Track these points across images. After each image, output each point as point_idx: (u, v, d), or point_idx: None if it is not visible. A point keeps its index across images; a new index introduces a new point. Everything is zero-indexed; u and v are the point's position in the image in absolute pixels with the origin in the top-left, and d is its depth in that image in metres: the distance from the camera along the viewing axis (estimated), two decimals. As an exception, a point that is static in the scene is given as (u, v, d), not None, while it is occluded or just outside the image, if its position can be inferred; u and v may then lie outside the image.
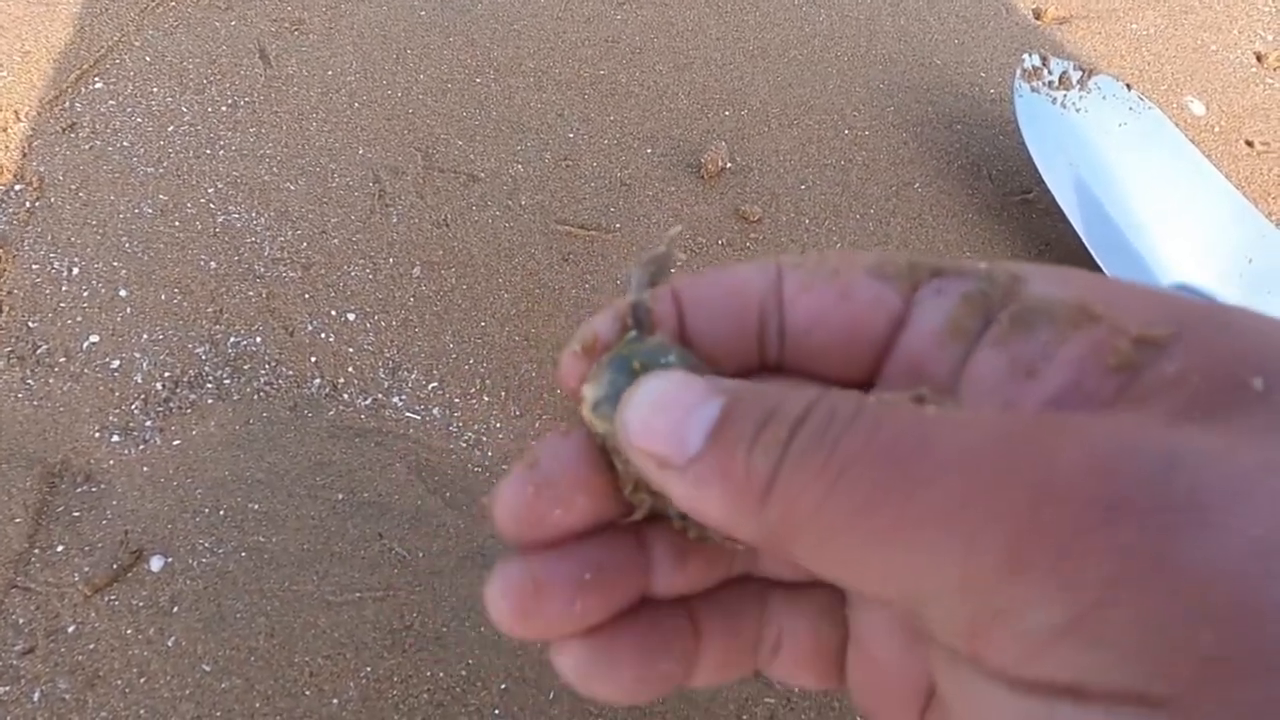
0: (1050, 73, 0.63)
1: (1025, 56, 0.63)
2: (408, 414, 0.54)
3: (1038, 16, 0.78)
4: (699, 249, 0.62)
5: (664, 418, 0.12)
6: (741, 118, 0.70)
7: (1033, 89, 0.62)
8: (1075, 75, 0.63)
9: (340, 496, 0.50)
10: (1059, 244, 0.63)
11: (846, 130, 0.69)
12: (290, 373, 0.56)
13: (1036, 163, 0.59)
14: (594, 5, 0.78)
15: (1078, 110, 0.62)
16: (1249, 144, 0.69)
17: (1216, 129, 0.71)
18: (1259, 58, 0.77)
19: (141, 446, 0.52)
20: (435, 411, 0.55)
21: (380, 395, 0.55)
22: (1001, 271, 0.13)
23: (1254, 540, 0.09)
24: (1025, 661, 0.09)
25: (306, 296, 0.59)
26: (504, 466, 0.53)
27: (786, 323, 0.15)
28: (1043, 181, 0.66)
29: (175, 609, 0.46)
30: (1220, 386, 0.10)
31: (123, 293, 0.59)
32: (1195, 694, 0.09)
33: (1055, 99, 0.63)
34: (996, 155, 0.68)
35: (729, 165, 0.66)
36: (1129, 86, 0.63)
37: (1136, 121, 0.62)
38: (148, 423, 0.53)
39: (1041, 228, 0.64)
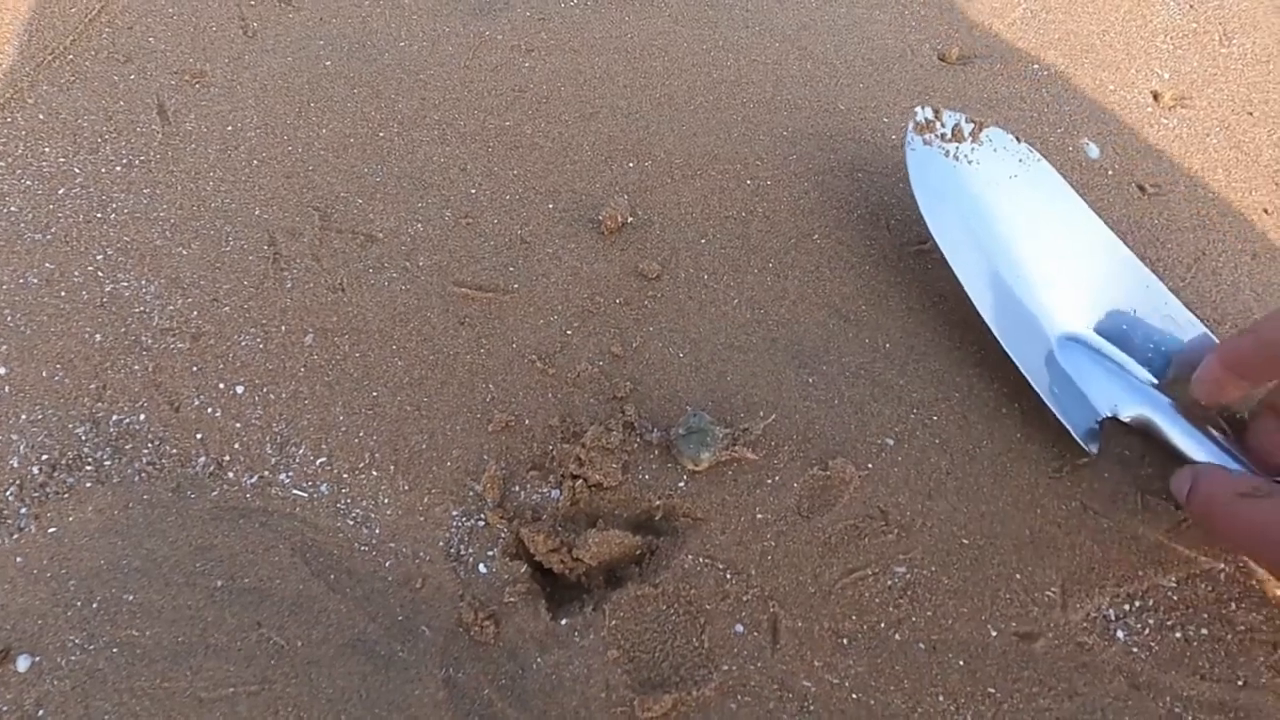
0: (943, 125, 0.63)
1: (918, 110, 0.63)
2: (294, 491, 0.54)
3: (942, 59, 0.79)
4: (595, 309, 0.61)
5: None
6: (645, 169, 0.70)
7: (925, 142, 0.62)
8: (967, 128, 0.63)
9: (219, 583, 0.50)
10: (953, 295, 0.63)
11: (749, 180, 0.70)
12: (174, 451, 0.55)
13: (925, 218, 0.59)
14: (502, 53, 0.77)
15: (970, 163, 0.62)
16: (1140, 188, 0.71)
17: (1110, 172, 0.72)
18: (1155, 96, 0.79)
19: (15, 536, 0.51)
20: (323, 488, 0.54)
21: (266, 473, 0.54)
22: None
23: None
24: None
25: (194, 369, 0.58)
26: (391, 544, 0.52)
27: None
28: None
29: (40, 712, 0.45)
30: None
31: (2, 370, 0.57)
32: None
33: (948, 152, 0.63)
34: (895, 204, 0.69)
35: (630, 220, 0.66)
36: (1018, 138, 0.63)
37: (1026, 174, 0.63)
38: (22, 510, 0.52)
39: (936, 279, 0.64)
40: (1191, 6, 0.86)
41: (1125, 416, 0.55)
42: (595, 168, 0.70)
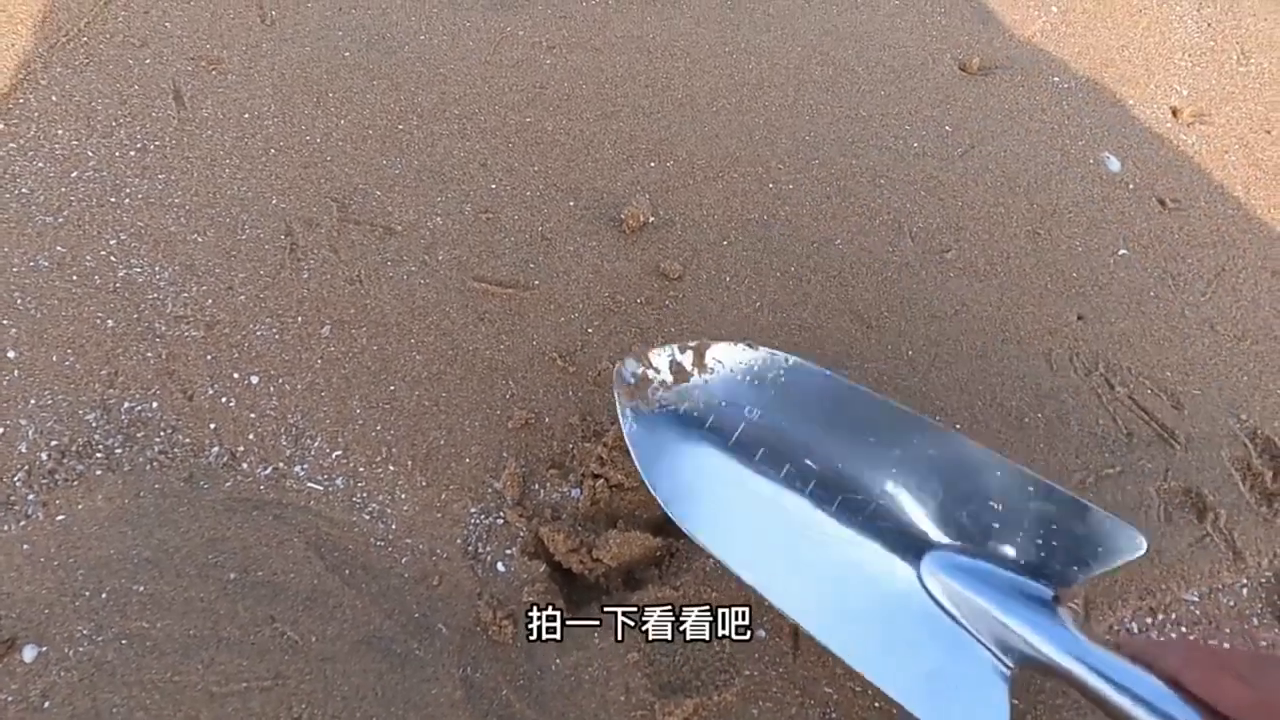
0: (659, 371, 0.49)
1: (621, 368, 0.49)
2: (309, 484, 0.53)
3: (963, 69, 0.79)
4: (617, 307, 0.61)
5: None
6: (666, 169, 0.69)
7: (644, 409, 0.47)
8: (688, 358, 0.48)
9: (232, 576, 0.49)
10: (974, 303, 0.63)
11: (771, 184, 0.69)
12: (187, 441, 0.54)
13: (669, 510, 0.45)
14: (523, 49, 0.77)
15: (707, 403, 0.47)
16: (1161, 202, 0.71)
17: (1131, 186, 0.72)
18: (1174, 112, 0.79)
19: (22, 523, 0.50)
20: (339, 481, 0.53)
21: (281, 464, 0.53)
22: None
23: None
24: None
25: (208, 358, 0.57)
26: (408, 540, 0.51)
27: None
28: (963, 239, 0.67)
29: (47, 704, 0.44)
30: None
31: (11, 354, 0.56)
32: None
33: (676, 406, 0.47)
34: (918, 212, 0.68)
35: (651, 220, 0.65)
36: (751, 345, 0.48)
37: (780, 382, 0.47)
38: (30, 496, 0.51)
39: (958, 287, 0.64)
40: (1210, 25, 0.87)
41: (1033, 665, 0.39)
42: (616, 166, 0.69)
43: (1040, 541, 0.41)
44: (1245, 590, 0.52)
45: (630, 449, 0.46)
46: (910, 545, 0.43)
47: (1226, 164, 0.75)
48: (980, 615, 0.39)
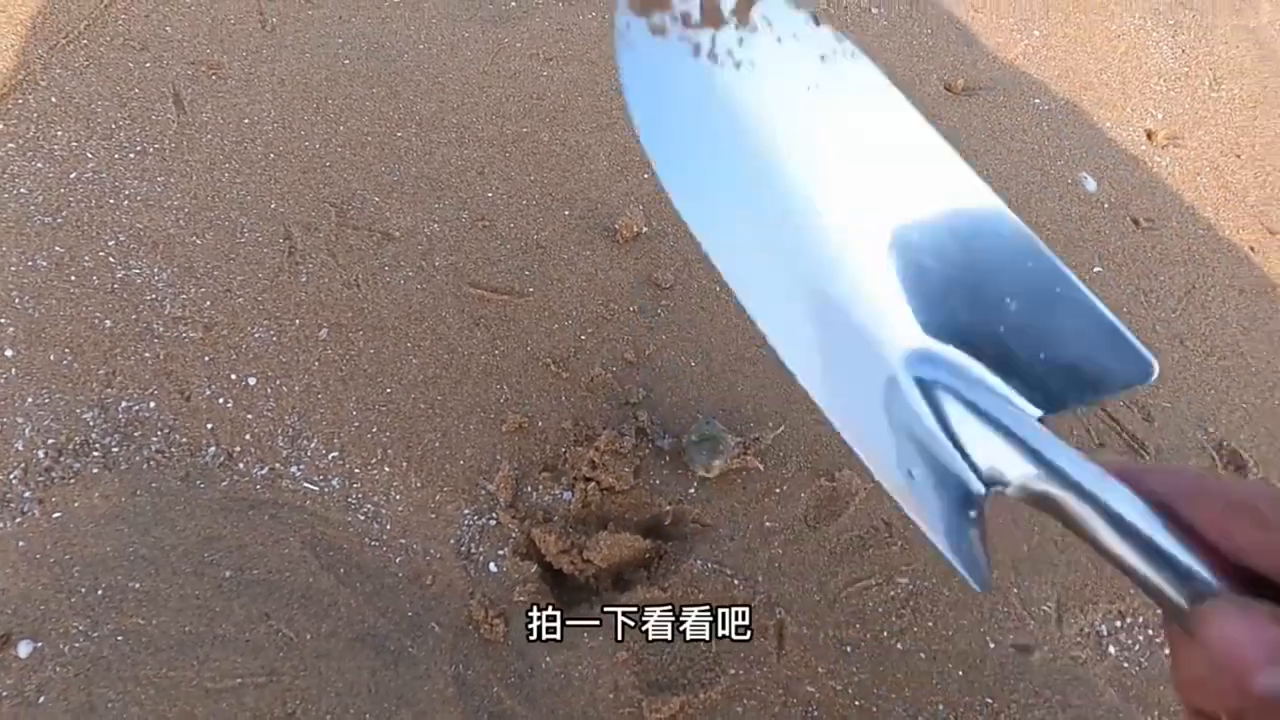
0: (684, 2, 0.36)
1: None
2: (305, 485, 0.54)
3: (949, 88, 0.82)
4: (610, 315, 0.62)
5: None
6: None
7: (654, 27, 0.35)
8: (732, 2, 0.35)
9: (228, 574, 0.49)
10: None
11: (761, 197, 0.71)
12: (184, 440, 0.54)
13: (652, 159, 0.34)
14: (521, 61, 0.78)
15: (737, 66, 0.36)
16: (1135, 222, 0.74)
17: (1106, 205, 0.75)
18: (1149, 135, 0.82)
19: (18, 519, 0.50)
20: (334, 482, 0.54)
21: (278, 465, 0.54)
22: None
23: None
24: None
25: (206, 359, 0.58)
26: (402, 540, 0.52)
27: None
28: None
29: (42, 699, 0.44)
30: None
31: (9, 352, 0.56)
32: None
33: (698, 46, 0.35)
34: (902, 226, 0.71)
35: (644, 230, 0.67)
36: (816, 20, 0.35)
37: (833, 79, 0.36)
38: (26, 493, 0.51)
39: (940, 300, 0.66)
40: (1184, 51, 0.90)
41: (1009, 487, 0.31)
42: (611, 177, 0.71)
43: (1044, 355, 0.34)
44: (1210, 596, 0.54)
45: (622, 76, 0.34)
46: (906, 319, 0.35)
47: (1198, 185, 0.78)
48: (961, 423, 0.33)
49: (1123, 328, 0.32)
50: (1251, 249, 0.74)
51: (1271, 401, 0.64)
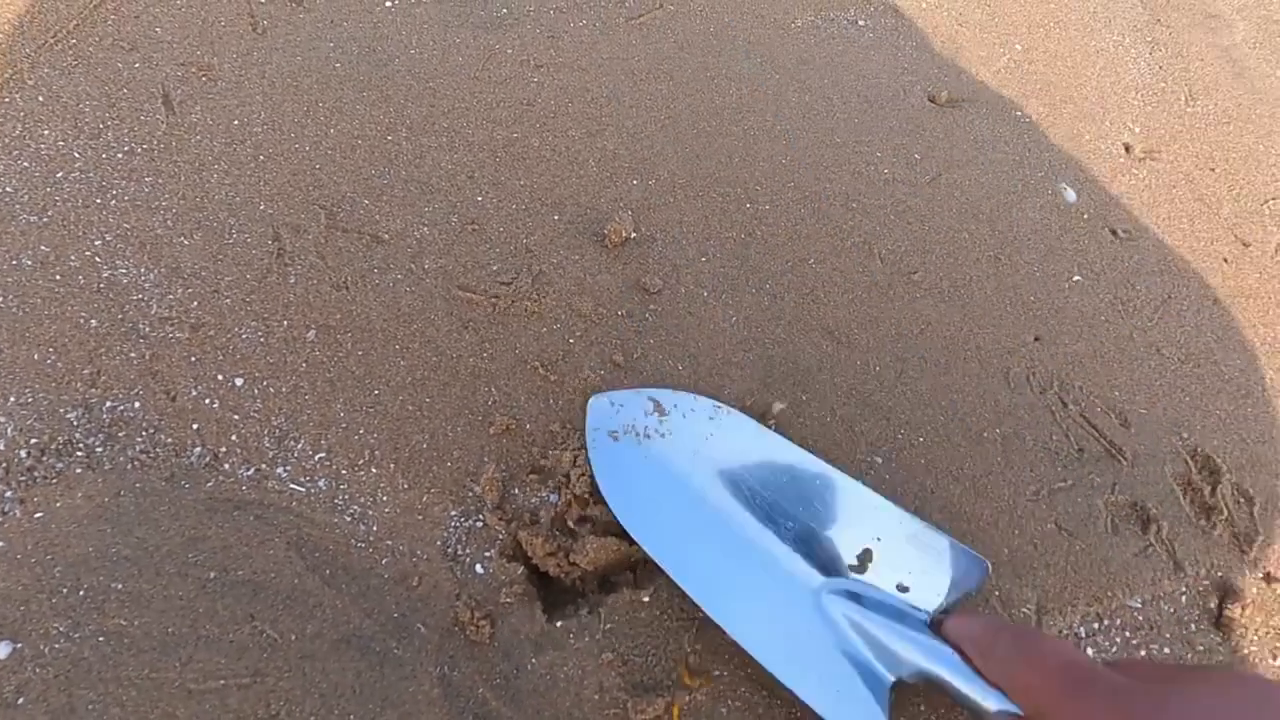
0: (622, 405, 0.57)
1: (596, 401, 0.57)
2: (292, 486, 0.54)
3: (932, 100, 0.83)
4: (598, 319, 0.63)
5: None
6: (649, 187, 0.72)
7: (612, 437, 0.55)
8: (651, 405, 0.56)
9: (212, 575, 0.49)
10: (939, 322, 0.66)
11: (749, 204, 0.72)
12: (169, 440, 0.54)
13: (630, 527, 0.51)
14: (512, 67, 0.79)
15: (662, 436, 0.55)
16: (1113, 232, 0.75)
17: (1085, 216, 0.76)
18: (1127, 148, 0.84)
19: (-1, 520, 0.50)
20: (321, 483, 0.54)
21: (264, 466, 0.54)
22: None
23: None
24: None
25: (192, 359, 0.58)
26: (388, 542, 0.52)
27: None
28: (929, 262, 0.70)
29: (20, 700, 0.44)
30: None
31: (-9, 351, 0.56)
32: None
33: (636, 434, 0.55)
34: (887, 235, 0.72)
35: (633, 235, 0.68)
36: (707, 401, 0.57)
37: (720, 428, 0.56)
38: (8, 493, 0.51)
39: (924, 307, 0.67)
40: (1160, 67, 0.92)
41: (908, 675, 0.46)
42: (600, 183, 0.71)
43: (911, 572, 0.50)
44: (1184, 598, 0.56)
45: (594, 470, 0.54)
46: (821, 566, 0.51)
47: (1174, 198, 0.80)
48: (865, 633, 0.48)
49: (954, 543, 0.51)
50: (1225, 260, 0.75)
51: (1244, 409, 0.65)
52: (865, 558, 0.51)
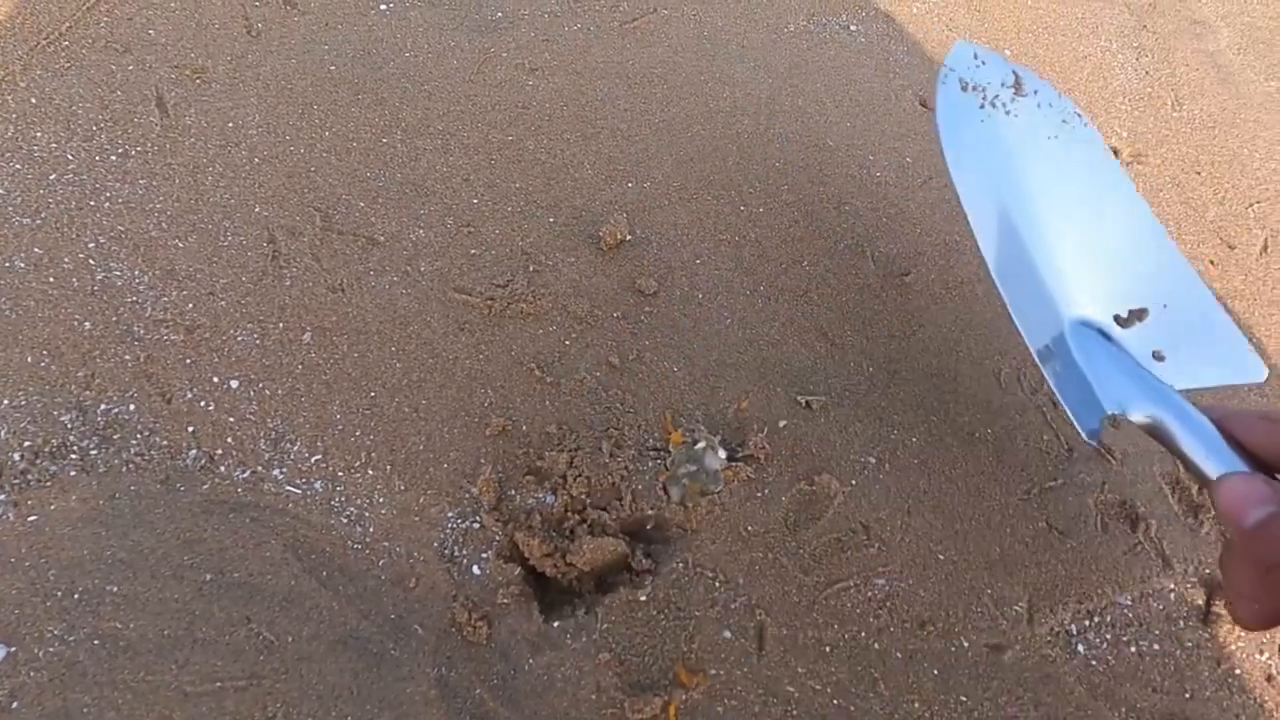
0: (982, 63, 0.58)
1: (959, 46, 0.58)
2: (288, 488, 0.54)
3: (923, 105, 0.84)
4: (594, 321, 0.63)
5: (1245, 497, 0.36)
6: (644, 190, 0.72)
7: (961, 85, 0.56)
8: (1010, 76, 0.57)
9: (208, 577, 0.49)
10: (931, 324, 0.67)
11: (743, 207, 0.73)
12: (164, 443, 0.54)
13: (948, 165, 0.54)
14: (506, 70, 0.79)
15: (1007, 113, 0.56)
16: (1101, 235, 0.76)
17: (1074, 219, 0.77)
18: (1115, 152, 0.85)
19: (-8, 523, 0.50)
20: (317, 485, 0.54)
21: (260, 468, 0.54)
22: None
23: None
24: None
25: (188, 361, 0.57)
26: (385, 543, 0.52)
27: None
28: (921, 264, 0.71)
29: (15, 704, 0.43)
30: None
31: (-16, 354, 0.56)
32: None
33: (984, 98, 0.56)
34: (880, 237, 0.72)
35: (628, 237, 0.68)
36: (1070, 104, 0.58)
37: (1069, 136, 0.56)
38: (1, 496, 0.51)
39: (916, 309, 0.68)
40: (1147, 73, 0.94)
41: (1135, 417, 0.46)
42: (595, 186, 0.72)
43: (1178, 348, 0.51)
44: (1173, 595, 0.56)
45: (937, 110, 0.56)
46: (1090, 298, 0.52)
47: (1161, 201, 0.81)
48: (1103, 375, 0.49)
49: (1243, 336, 0.52)
50: (1211, 262, 0.76)
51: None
52: (1138, 316, 0.52)
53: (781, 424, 0.60)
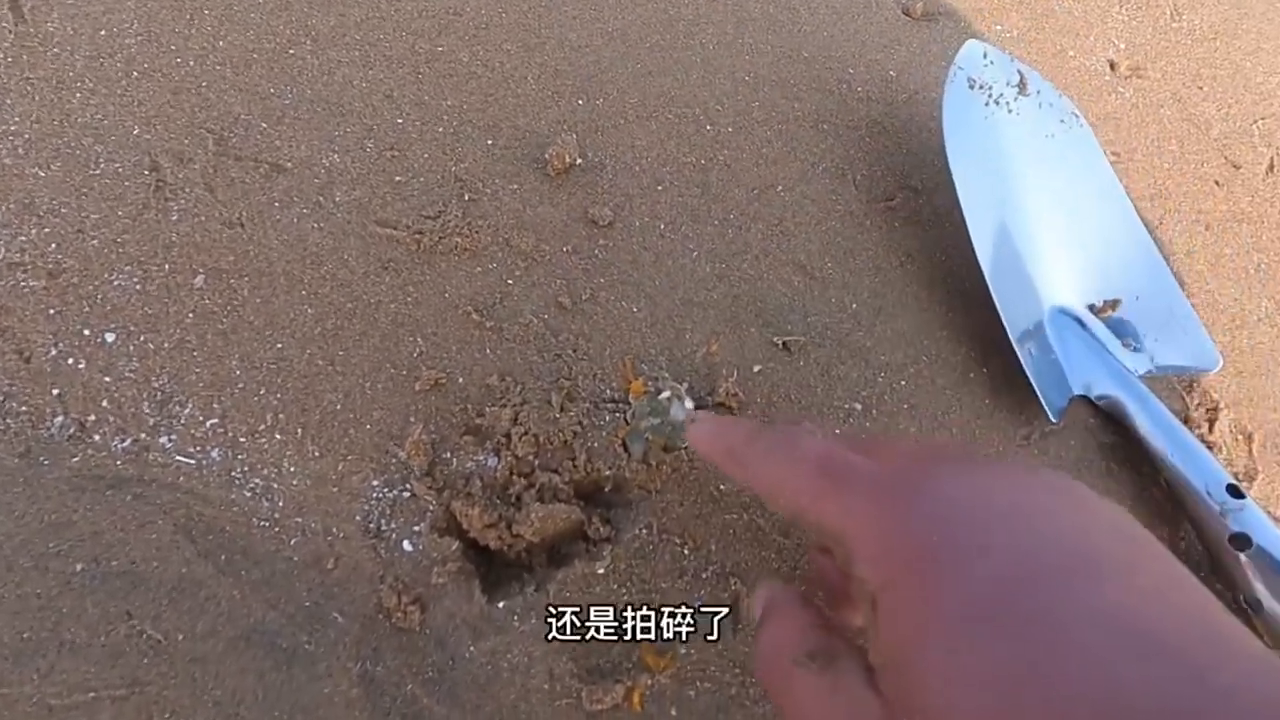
0: (990, 62, 0.61)
1: (971, 44, 0.61)
2: (178, 458, 0.45)
3: (907, 13, 0.76)
4: (540, 257, 0.55)
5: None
6: (595, 107, 0.63)
7: (969, 84, 0.59)
8: (1016, 76, 0.61)
9: (79, 567, 0.41)
10: (920, 254, 0.60)
11: (709, 126, 0.64)
12: (24, 409, 0.45)
13: (948, 153, 0.56)
14: (434, -29, 0.68)
15: (1010, 111, 0.60)
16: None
17: (1072, 137, 0.70)
18: (1112, 65, 0.78)
19: None
20: (214, 454, 0.46)
21: (143, 435, 0.45)
22: None
23: None
24: None
25: (51, 312, 0.48)
26: (297, 519, 0.45)
27: None
28: (907, 189, 0.64)
29: None
30: None
31: None
32: None
33: (989, 95, 0.60)
34: (862, 159, 0.65)
35: (579, 161, 0.59)
36: (1070, 104, 0.63)
37: (1065, 135, 0.61)
38: None
39: (904, 238, 0.61)
40: (1145, -21, 0.86)
41: (1096, 395, 0.53)
42: (540, 103, 0.63)
43: (1145, 334, 0.56)
44: (1184, 543, 0.52)
45: (944, 103, 0.58)
46: (1069, 286, 0.57)
47: (1161, 118, 0.75)
48: (1074, 359, 0.54)
49: (1197, 329, 0.56)
50: (1216, 183, 0.71)
51: (1239, 340, 0.61)
52: (1112, 305, 0.56)
53: (756, 368, 0.53)
